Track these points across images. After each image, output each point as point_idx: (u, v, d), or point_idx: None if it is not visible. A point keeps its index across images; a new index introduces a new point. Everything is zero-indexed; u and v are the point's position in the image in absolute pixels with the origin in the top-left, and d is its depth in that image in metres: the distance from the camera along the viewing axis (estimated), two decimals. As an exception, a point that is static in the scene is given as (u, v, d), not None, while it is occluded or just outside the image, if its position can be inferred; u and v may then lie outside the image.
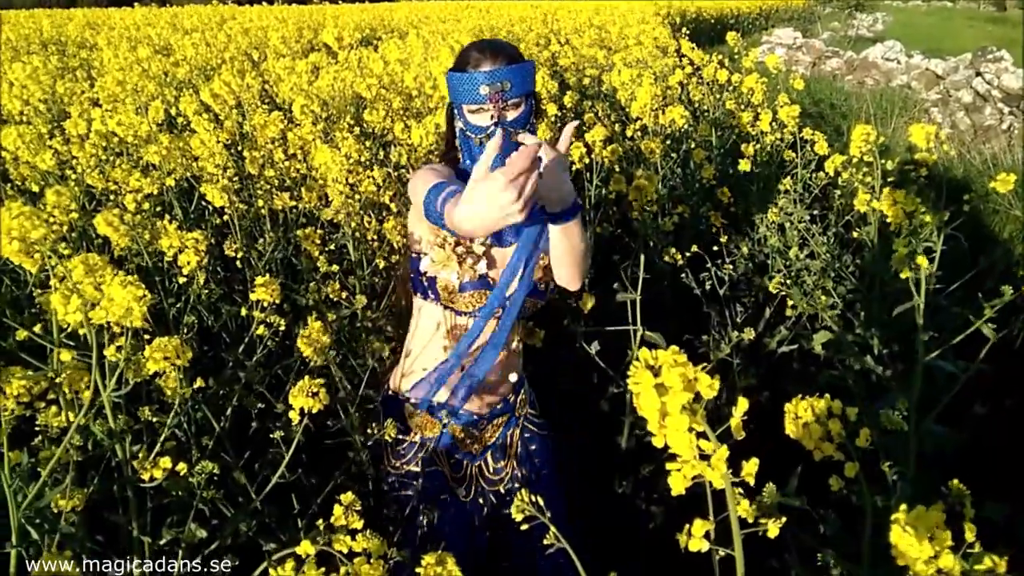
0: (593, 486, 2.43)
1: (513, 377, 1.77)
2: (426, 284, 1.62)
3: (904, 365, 1.91)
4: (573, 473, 2.29)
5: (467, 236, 1.49)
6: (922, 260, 1.60)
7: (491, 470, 1.79)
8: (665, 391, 0.67)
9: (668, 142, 3.73)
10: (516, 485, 1.78)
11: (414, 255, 1.66)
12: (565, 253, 1.49)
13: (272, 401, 1.87)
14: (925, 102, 9.04)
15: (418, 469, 1.74)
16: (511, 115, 1.51)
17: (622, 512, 2.41)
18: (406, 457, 1.75)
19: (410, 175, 2.98)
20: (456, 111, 1.56)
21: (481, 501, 1.78)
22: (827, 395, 1.02)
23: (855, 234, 2.59)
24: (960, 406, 2.45)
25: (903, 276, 1.61)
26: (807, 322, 2.75)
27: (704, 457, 0.71)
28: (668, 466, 0.73)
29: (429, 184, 1.41)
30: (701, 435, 0.70)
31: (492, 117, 1.49)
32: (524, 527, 1.16)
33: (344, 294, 2.23)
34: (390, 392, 1.80)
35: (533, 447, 1.84)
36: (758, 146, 3.48)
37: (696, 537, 0.79)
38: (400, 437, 1.76)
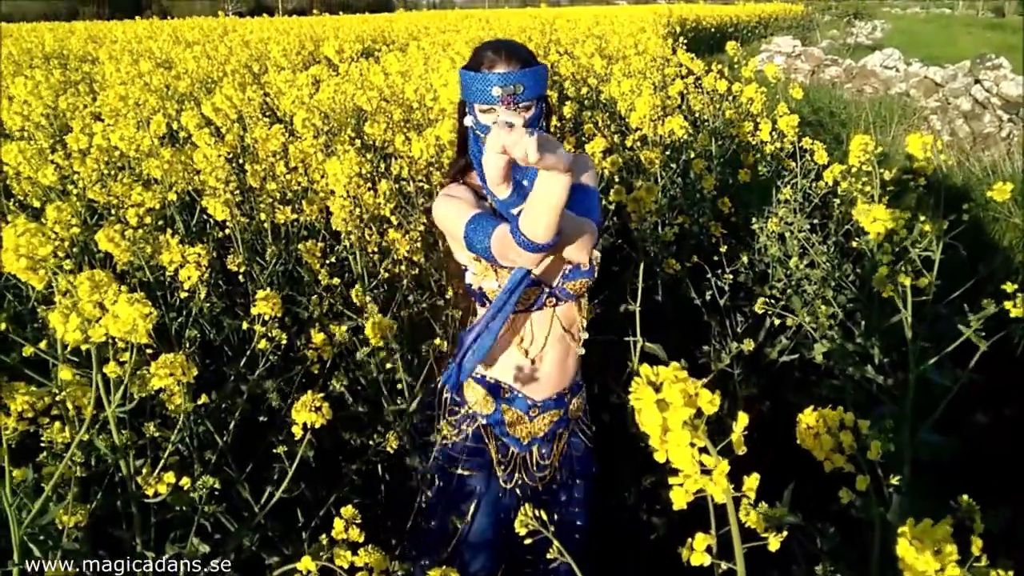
0: (595, 496, 2.42)
1: (571, 372, 1.80)
2: (480, 295, 1.67)
3: (904, 374, 1.91)
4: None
5: (515, 264, 1.50)
6: (904, 278, 1.61)
7: (535, 463, 1.81)
8: (666, 407, 0.68)
9: (668, 152, 3.75)
10: (555, 485, 1.82)
11: (464, 272, 1.71)
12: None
13: (281, 405, 1.88)
14: (924, 110, 9.06)
15: (466, 442, 1.78)
16: (523, 116, 1.52)
17: (625, 522, 2.41)
18: (456, 428, 1.80)
19: (411, 186, 3.00)
20: (468, 108, 1.59)
21: (519, 492, 1.80)
22: (840, 407, 1.02)
23: (854, 244, 2.60)
24: (960, 414, 2.46)
25: (885, 295, 1.62)
26: (808, 331, 2.76)
27: (706, 472, 0.72)
28: (671, 480, 0.73)
29: (464, 215, 1.50)
30: (702, 450, 0.71)
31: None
32: (528, 541, 1.16)
33: (360, 301, 2.23)
34: (453, 363, 1.81)
35: (577, 453, 1.87)
36: (758, 155, 3.49)
37: (698, 551, 0.80)
38: (455, 408, 1.81)
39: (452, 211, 1.55)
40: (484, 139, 1.52)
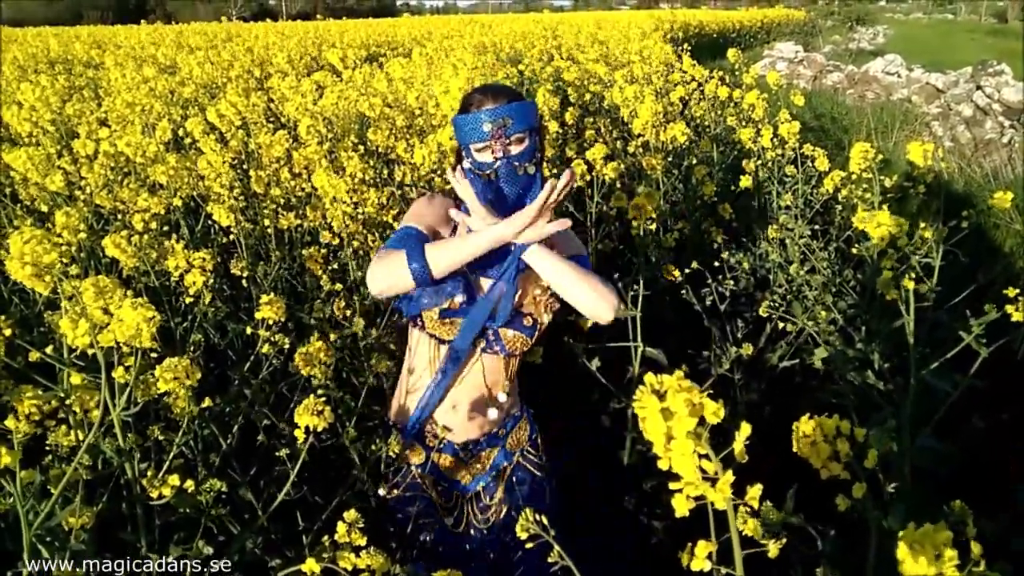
0: (596, 501, 2.44)
1: (495, 416, 1.73)
2: (415, 312, 1.65)
3: (904, 379, 1.92)
4: (577, 491, 2.29)
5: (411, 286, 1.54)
6: (908, 283, 1.62)
7: (482, 503, 1.78)
8: (671, 416, 0.69)
9: (670, 158, 3.76)
10: (505, 523, 1.76)
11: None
12: (558, 282, 1.55)
13: (274, 421, 1.89)
14: (926, 116, 9.08)
15: (407, 494, 1.75)
16: (515, 149, 1.57)
17: (625, 527, 2.42)
18: (399, 484, 1.77)
19: (414, 192, 3.02)
20: (464, 152, 1.61)
21: (473, 532, 1.77)
22: (835, 415, 1.04)
23: (855, 250, 2.61)
24: (959, 420, 2.46)
25: (889, 298, 1.63)
26: (808, 337, 2.77)
27: (708, 479, 0.73)
28: (672, 486, 0.75)
29: (408, 220, 1.62)
30: (705, 457, 0.72)
31: (496, 152, 1.55)
32: (524, 548, 1.16)
33: (348, 312, 2.25)
34: (388, 419, 1.83)
35: (523, 487, 1.80)
36: (759, 162, 3.51)
37: (699, 558, 0.81)
38: (391, 460, 1.79)
39: (410, 212, 1.69)
40: (483, 175, 1.57)
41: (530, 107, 1.59)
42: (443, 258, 1.49)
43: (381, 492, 1.77)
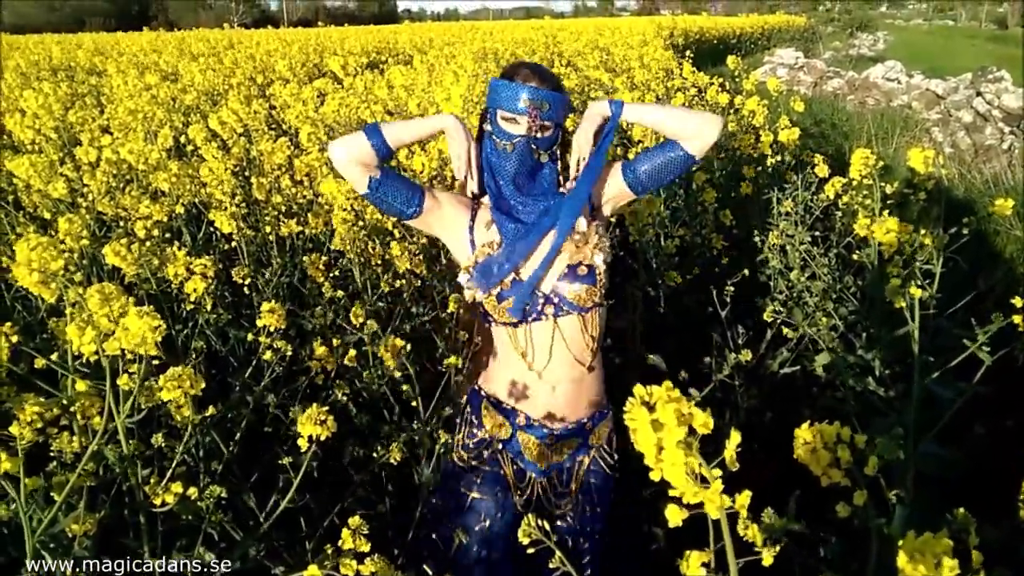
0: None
1: (588, 399, 1.76)
2: (481, 311, 1.68)
3: (905, 386, 1.92)
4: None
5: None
6: (915, 290, 1.62)
7: (555, 491, 1.79)
8: (661, 427, 0.69)
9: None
10: (571, 517, 1.78)
11: (465, 295, 1.73)
12: (662, 126, 1.65)
13: (284, 419, 1.90)
14: (926, 122, 9.09)
15: (484, 466, 1.76)
16: (540, 133, 1.62)
17: (626, 533, 2.41)
18: (473, 451, 1.78)
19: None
20: (490, 115, 1.66)
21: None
22: (836, 422, 1.04)
23: (856, 256, 2.61)
24: (964, 426, 2.46)
25: (897, 306, 1.64)
26: (809, 343, 2.77)
27: (703, 487, 0.73)
28: (670, 492, 0.75)
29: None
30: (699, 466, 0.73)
31: (527, 128, 1.60)
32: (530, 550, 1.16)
33: (359, 320, 2.25)
34: (475, 386, 1.84)
35: (595, 481, 1.81)
36: (759, 168, 3.51)
37: (693, 567, 0.82)
38: (473, 431, 1.80)
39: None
40: (499, 144, 1.63)
41: (567, 103, 1.66)
42: (400, 132, 1.61)
43: (455, 458, 1.80)
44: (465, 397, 1.88)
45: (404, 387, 2.07)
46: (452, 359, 1.98)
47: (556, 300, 1.63)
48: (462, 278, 1.66)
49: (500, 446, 1.76)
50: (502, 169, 1.64)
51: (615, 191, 1.72)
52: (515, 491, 1.76)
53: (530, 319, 1.64)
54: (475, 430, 1.79)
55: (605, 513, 1.84)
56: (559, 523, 1.78)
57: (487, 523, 1.73)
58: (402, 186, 1.62)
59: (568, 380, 1.70)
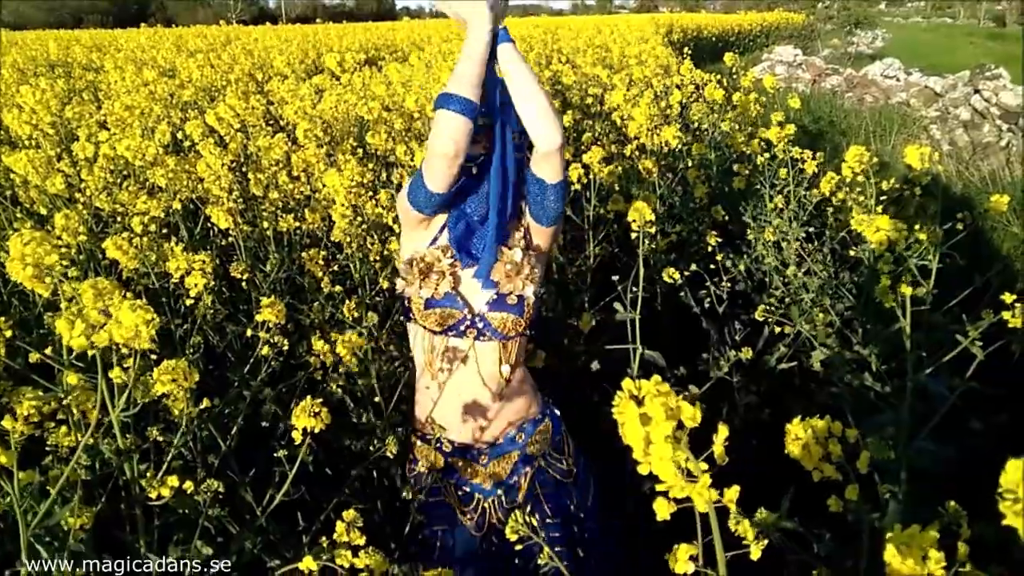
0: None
1: (514, 412, 1.73)
2: (407, 305, 1.65)
3: (901, 382, 1.93)
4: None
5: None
6: (906, 288, 1.63)
7: (501, 509, 1.75)
8: (648, 420, 0.69)
9: (668, 160, 3.77)
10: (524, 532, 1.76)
11: (396, 284, 1.70)
12: (519, 88, 1.50)
13: (280, 414, 1.90)
14: (924, 119, 9.10)
15: (424, 498, 1.75)
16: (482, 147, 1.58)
17: (622, 529, 2.42)
18: (416, 486, 1.76)
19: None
20: None
21: (495, 539, 1.73)
22: (827, 416, 1.04)
23: (851, 252, 2.62)
24: (958, 421, 2.47)
25: (887, 305, 1.64)
26: (806, 339, 2.78)
27: (692, 480, 0.73)
28: (659, 487, 0.75)
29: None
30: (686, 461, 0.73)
31: (480, 148, 1.57)
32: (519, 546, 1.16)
33: (353, 315, 2.26)
34: (412, 419, 1.83)
35: (545, 490, 1.77)
36: (751, 166, 3.52)
37: (681, 560, 0.82)
38: (411, 466, 1.79)
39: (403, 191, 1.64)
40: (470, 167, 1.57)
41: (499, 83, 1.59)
42: (463, 79, 1.45)
43: (406, 495, 1.76)
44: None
45: (360, 381, 2.06)
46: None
47: (480, 325, 1.62)
48: (402, 269, 1.64)
49: (436, 475, 1.74)
50: (474, 188, 1.61)
51: (532, 226, 1.68)
52: (463, 517, 1.74)
53: (450, 332, 1.62)
54: (412, 464, 1.79)
55: (572, 519, 1.79)
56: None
57: (449, 551, 1.72)
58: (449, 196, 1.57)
59: (484, 397, 1.68)
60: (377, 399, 2.02)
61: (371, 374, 2.08)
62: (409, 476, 1.80)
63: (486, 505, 1.75)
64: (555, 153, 1.52)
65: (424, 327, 1.64)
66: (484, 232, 1.60)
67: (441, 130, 1.44)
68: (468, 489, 1.75)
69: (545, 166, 1.54)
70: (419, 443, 1.76)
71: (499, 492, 1.75)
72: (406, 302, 1.65)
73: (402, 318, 1.71)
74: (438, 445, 1.72)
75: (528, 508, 1.72)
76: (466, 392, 1.67)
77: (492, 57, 1.52)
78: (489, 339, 1.63)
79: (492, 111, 1.57)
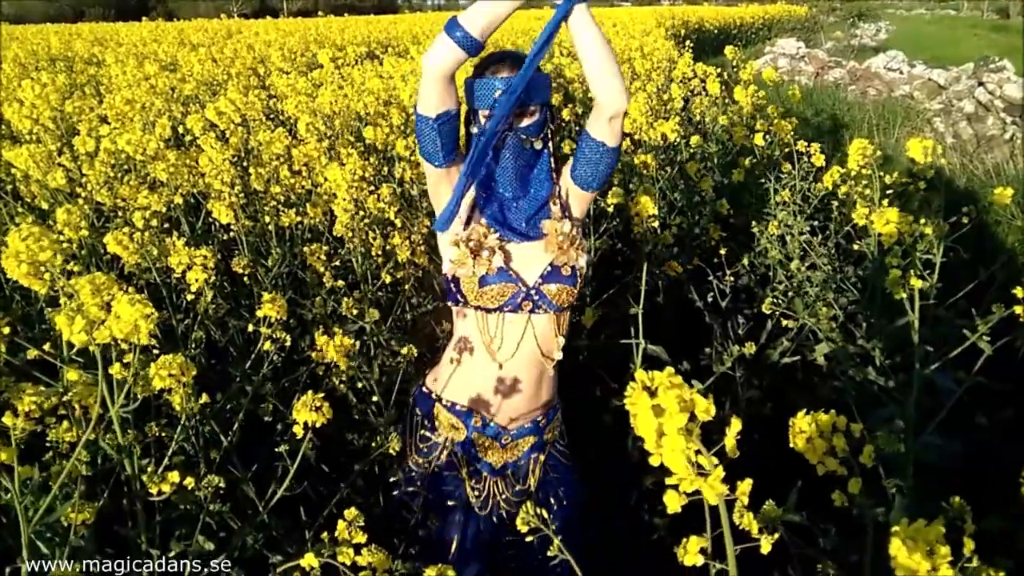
0: (598, 498, 2.44)
1: (545, 397, 1.77)
2: (454, 289, 1.64)
3: (906, 376, 1.92)
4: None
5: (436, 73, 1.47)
6: (915, 281, 1.62)
7: (510, 489, 1.79)
8: (662, 412, 0.69)
9: (668, 154, 3.76)
10: (535, 523, 1.78)
11: (444, 268, 1.70)
12: (592, 49, 1.48)
13: (281, 412, 1.89)
14: (928, 112, 9.06)
15: (437, 468, 1.77)
16: (524, 122, 1.57)
17: (625, 523, 2.42)
18: (429, 456, 1.78)
19: (414, 189, 3.02)
20: (472, 116, 1.62)
21: (495, 519, 1.77)
22: (832, 411, 1.03)
23: (855, 246, 2.61)
24: (965, 416, 2.46)
25: (896, 297, 1.63)
26: (810, 333, 2.77)
27: (702, 474, 0.73)
28: (667, 481, 0.75)
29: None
30: (698, 452, 0.72)
31: (511, 121, 1.55)
32: (529, 538, 1.17)
33: (355, 310, 2.25)
34: (424, 389, 1.82)
35: (555, 474, 1.83)
36: (754, 159, 3.50)
37: (691, 553, 0.81)
38: (426, 434, 1.79)
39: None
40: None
41: (544, 80, 1.59)
42: (475, 15, 1.44)
43: (411, 464, 1.79)
44: (412, 401, 1.87)
45: (359, 384, 2.07)
46: (405, 350, 1.98)
47: (536, 298, 1.63)
48: (449, 253, 1.64)
49: (456, 448, 1.76)
50: (502, 173, 1.61)
51: (572, 191, 1.68)
52: (471, 492, 1.77)
53: (506, 309, 1.63)
54: (427, 433, 1.79)
55: (573, 506, 1.84)
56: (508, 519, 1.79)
57: (454, 526, 1.74)
58: (453, 139, 1.56)
59: (529, 378, 1.70)
60: (376, 398, 2.02)
61: (373, 369, 2.08)
62: (422, 445, 1.80)
63: (491, 484, 1.78)
64: (619, 117, 1.54)
65: (479, 307, 1.64)
66: (519, 208, 1.63)
67: (434, 49, 1.46)
68: (478, 466, 1.77)
69: (607, 129, 1.56)
70: (446, 413, 1.76)
71: (508, 473, 1.78)
72: (453, 286, 1.64)
73: (449, 303, 1.71)
74: (486, 426, 1.73)
75: (539, 493, 1.80)
76: (515, 368, 1.69)
77: (554, 30, 1.49)
78: (544, 311, 1.65)
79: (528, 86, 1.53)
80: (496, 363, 1.67)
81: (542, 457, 1.81)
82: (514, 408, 1.72)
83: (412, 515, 1.82)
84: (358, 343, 2.10)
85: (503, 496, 1.78)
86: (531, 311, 1.64)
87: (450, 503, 1.76)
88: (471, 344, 1.70)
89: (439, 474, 1.77)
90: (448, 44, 1.44)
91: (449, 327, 1.94)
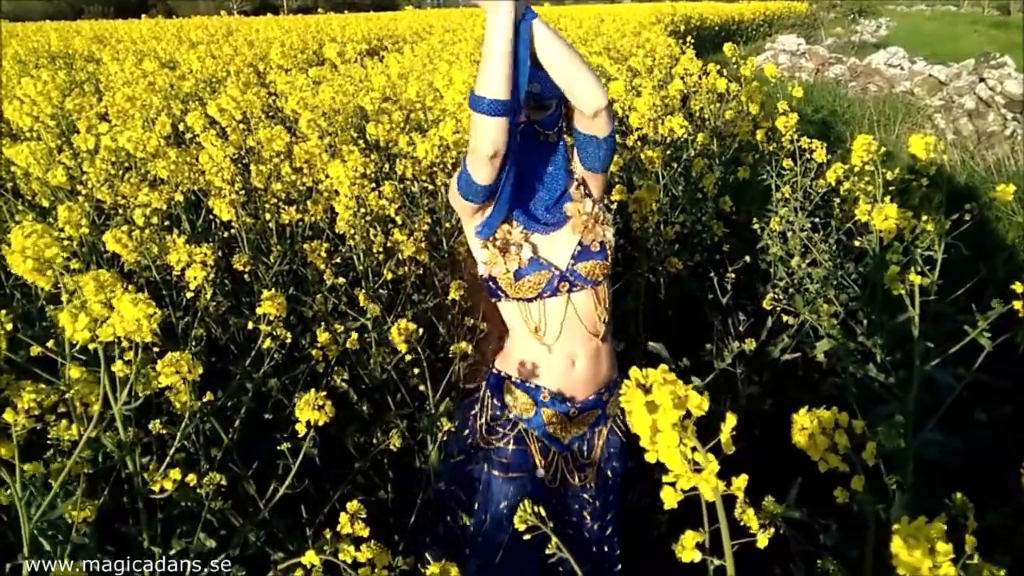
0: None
1: (604, 372, 1.81)
2: (493, 287, 1.70)
3: (906, 373, 1.92)
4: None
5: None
6: (916, 277, 1.62)
7: (576, 464, 1.83)
8: (656, 409, 0.69)
9: (669, 151, 3.75)
10: (591, 489, 1.83)
11: (479, 270, 1.74)
12: (556, 59, 1.50)
13: (282, 408, 1.89)
14: (928, 108, 9.05)
15: (508, 446, 1.80)
16: (538, 116, 1.61)
17: (627, 519, 2.42)
18: (499, 433, 1.81)
19: (415, 187, 3.02)
20: None
21: (562, 492, 1.83)
22: (834, 407, 1.03)
23: (856, 242, 2.60)
24: (965, 412, 2.46)
25: (895, 293, 1.63)
26: (810, 329, 2.77)
27: (698, 470, 0.73)
28: (664, 479, 0.75)
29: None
30: (694, 449, 0.72)
31: (520, 117, 1.56)
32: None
33: (368, 306, 2.24)
34: (494, 370, 1.86)
35: (612, 450, 1.87)
36: (757, 155, 3.50)
37: (688, 548, 0.81)
38: (494, 412, 1.83)
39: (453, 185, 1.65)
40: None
41: None
42: (488, 79, 1.43)
43: (478, 440, 1.82)
44: (481, 380, 1.89)
45: (415, 371, 2.07)
46: (461, 345, 1.99)
47: (571, 277, 1.67)
48: (482, 255, 1.68)
49: (524, 424, 1.79)
50: (515, 167, 1.62)
51: (585, 175, 1.72)
52: (540, 467, 1.80)
53: (545, 295, 1.68)
54: (496, 411, 1.83)
55: (624, 475, 1.90)
56: (582, 494, 1.84)
57: (506, 503, 1.76)
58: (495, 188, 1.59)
59: (584, 354, 1.75)
60: (423, 388, 2.02)
61: (374, 367, 2.08)
62: (489, 422, 1.83)
63: (559, 460, 1.82)
64: (602, 112, 1.56)
65: (519, 299, 1.69)
66: (540, 199, 1.67)
67: (478, 133, 1.47)
68: (546, 442, 1.80)
69: (594, 124, 1.59)
70: (513, 389, 1.79)
71: (574, 447, 1.83)
72: (492, 284, 1.69)
73: (492, 299, 1.76)
74: (553, 402, 1.77)
75: (599, 466, 1.84)
76: (566, 347, 1.73)
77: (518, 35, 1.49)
78: (581, 288, 1.70)
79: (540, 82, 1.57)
80: (545, 346, 1.72)
81: (604, 431, 1.86)
82: (575, 383, 1.77)
83: (447, 492, 1.86)
84: (356, 338, 2.10)
85: (568, 470, 1.82)
86: (569, 291, 1.69)
87: (513, 475, 1.79)
88: (519, 332, 1.75)
89: (512, 451, 1.80)
90: (484, 121, 1.44)
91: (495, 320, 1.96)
